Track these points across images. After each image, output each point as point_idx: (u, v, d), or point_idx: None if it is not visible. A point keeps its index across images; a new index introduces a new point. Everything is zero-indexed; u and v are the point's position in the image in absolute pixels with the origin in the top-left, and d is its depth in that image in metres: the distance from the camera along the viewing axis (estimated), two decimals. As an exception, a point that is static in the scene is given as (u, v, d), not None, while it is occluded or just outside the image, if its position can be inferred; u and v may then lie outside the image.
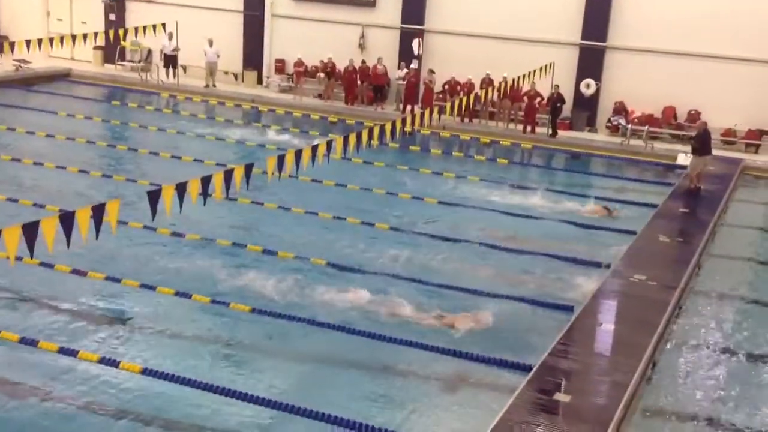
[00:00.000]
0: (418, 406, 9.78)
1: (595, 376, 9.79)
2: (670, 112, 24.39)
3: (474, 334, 11.57)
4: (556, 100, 23.96)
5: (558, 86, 23.86)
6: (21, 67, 27.64)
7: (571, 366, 9.91)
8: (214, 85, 27.61)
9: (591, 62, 24.88)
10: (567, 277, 13.83)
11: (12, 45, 22.14)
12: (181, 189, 10.45)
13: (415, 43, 26.33)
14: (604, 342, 10.96)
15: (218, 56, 27.49)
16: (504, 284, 13.35)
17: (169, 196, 10.26)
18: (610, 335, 11.09)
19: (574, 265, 14.31)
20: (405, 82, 25.72)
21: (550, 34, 25.03)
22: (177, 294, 11.94)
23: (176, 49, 27.46)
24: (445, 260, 14.32)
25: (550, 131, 24.18)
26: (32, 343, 10.22)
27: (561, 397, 9.11)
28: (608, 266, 13.85)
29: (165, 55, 27.90)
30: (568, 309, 12.15)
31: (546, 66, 23.21)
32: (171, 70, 27.89)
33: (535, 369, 9.76)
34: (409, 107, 25.34)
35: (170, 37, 26.92)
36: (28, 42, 21.82)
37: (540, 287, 13.41)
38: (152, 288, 12.07)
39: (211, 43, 27.24)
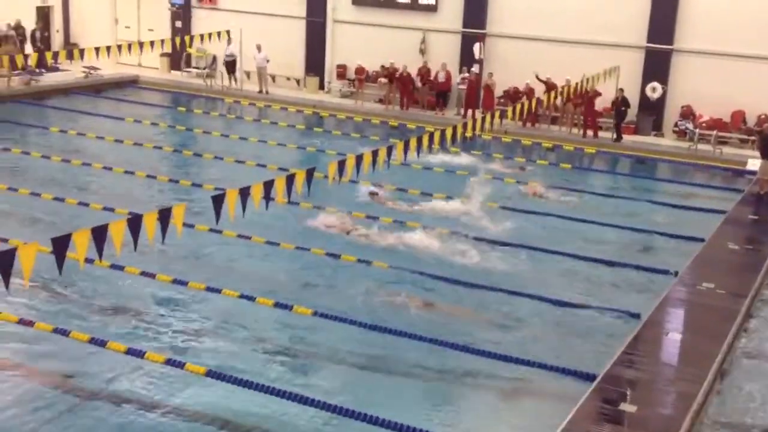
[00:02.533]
0: (476, 413, 9.70)
1: (662, 386, 9.59)
2: (739, 117, 23.77)
3: (536, 341, 11.44)
4: (621, 103, 23.58)
5: (622, 90, 23.47)
6: (90, 73, 28.36)
7: (636, 375, 9.72)
8: (267, 91, 27.90)
9: (657, 65, 24.42)
10: (634, 285, 13.61)
11: (82, 52, 22.76)
12: (244, 193, 10.58)
13: (476, 47, 26.22)
14: (670, 351, 10.72)
15: (267, 61, 27.75)
16: (569, 291, 13.18)
17: (232, 200, 10.40)
18: (677, 344, 10.85)
19: (641, 272, 14.06)
20: (465, 87, 25.63)
21: (615, 37, 24.65)
22: (241, 296, 12.09)
23: (231, 55, 27.88)
24: (508, 265, 14.20)
25: (615, 135, 23.81)
26: (101, 343, 10.46)
27: (626, 407, 8.93)
28: (676, 274, 13.56)
29: (225, 60, 28.38)
30: (635, 317, 11.93)
31: (610, 69, 22.85)
32: (230, 75, 28.31)
33: (599, 378, 9.60)
34: (470, 112, 25.23)
35: (228, 42, 27.31)
36: (97, 49, 22.39)
37: (606, 294, 13.21)
38: (218, 291, 12.25)
39: (259, 49, 27.51)
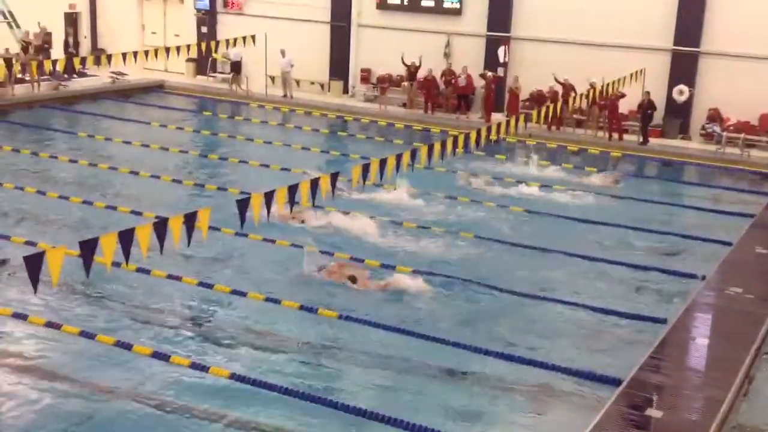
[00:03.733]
0: (500, 418, 9.66)
1: (689, 392, 9.49)
2: (766, 120, 23.50)
3: (561, 345, 11.39)
4: (647, 106, 23.42)
5: (649, 93, 23.31)
6: (117, 79, 28.65)
7: (663, 381, 9.63)
8: (291, 96, 28.02)
9: (684, 68, 24.22)
10: (659, 289, 13.51)
11: (109, 58, 23.00)
12: (268, 197, 10.64)
13: (501, 50, 26.17)
14: (697, 356, 10.62)
15: (292, 66, 27.88)
16: (595, 294, 13.11)
17: (257, 204, 10.46)
18: (704, 349, 10.75)
19: (668, 276, 13.94)
20: (484, 90, 25.61)
21: (641, 40, 24.48)
22: (267, 300, 12.15)
23: (237, 55, 28.27)
24: (532, 268, 14.16)
25: (641, 138, 23.65)
26: (127, 346, 10.55)
27: (653, 412, 8.85)
28: (703, 278, 13.43)
29: (231, 62, 28.63)
30: (661, 321, 11.83)
31: (636, 72, 22.70)
32: (235, 75, 28.82)
33: (625, 383, 9.52)
34: (493, 114, 25.20)
35: (234, 44, 27.46)
36: (124, 55, 22.61)
37: (632, 298, 13.12)
38: (243, 294, 12.31)
39: (283, 53, 27.64)
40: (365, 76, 28.71)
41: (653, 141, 23.82)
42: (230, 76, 29.33)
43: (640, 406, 9.00)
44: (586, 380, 10.30)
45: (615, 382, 9.88)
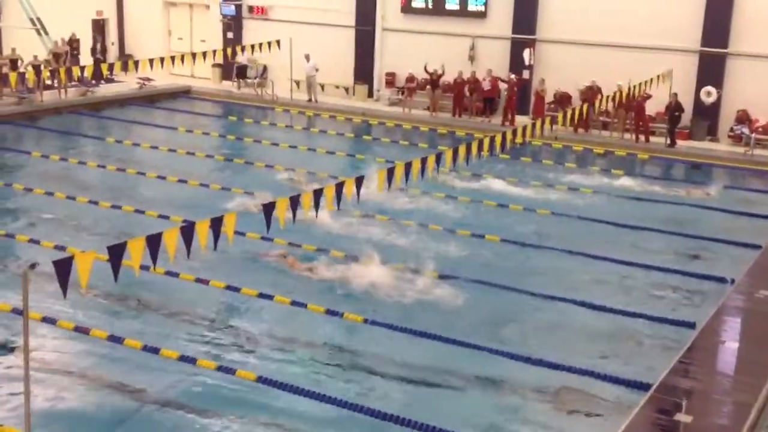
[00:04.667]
0: (526, 423, 9.61)
1: (718, 396, 9.40)
2: (797, 121, 23.25)
3: (589, 349, 11.32)
4: (674, 108, 23.22)
5: (676, 94, 23.11)
6: (144, 84, 28.89)
7: (692, 385, 9.54)
8: (316, 100, 28.11)
9: (711, 69, 23.97)
10: (688, 292, 13.38)
11: (136, 63, 23.20)
12: (294, 202, 10.67)
13: (526, 53, 26.07)
14: (726, 360, 10.51)
15: (316, 70, 27.98)
16: (623, 298, 13.01)
17: (283, 208, 10.49)
18: (733, 353, 10.63)
19: (696, 280, 13.81)
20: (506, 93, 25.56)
21: (668, 41, 24.27)
22: (293, 303, 12.19)
23: (251, 60, 28.40)
24: (560, 272, 14.09)
25: (669, 141, 23.45)
26: (154, 350, 10.63)
27: (682, 417, 8.77)
28: (732, 281, 13.29)
29: (237, 65, 29.02)
30: (690, 326, 11.71)
31: (664, 74, 22.50)
32: (239, 80, 29.31)
33: (654, 388, 9.44)
34: (515, 117, 25.13)
35: (242, 52, 27.64)
36: (151, 60, 22.80)
37: (660, 302, 13.02)
38: (270, 297, 12.36)
39: (308, 58, 27.73)
40: (390, 79, 28.72)
41: (681, 143, 23.60)
42: (256, 81, 29.52)
43: (669, 410, 8.92)
44: (613, 385, 10.23)
45: (644, 386, 9.80)
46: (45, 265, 7.80)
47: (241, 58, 28.86)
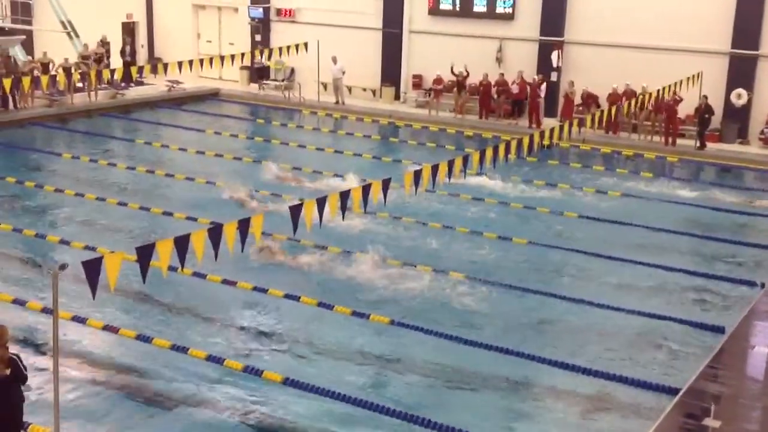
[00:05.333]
0: (554, 426, 9.56)
1: (747, 401, 9.31)
2: (830, 123, 22.92)
3: (616, 353, 11.24)
4: (704, 111, 22.98)
5: (706, 97, 22.87)
6: (173, 87, 29.13)
7: (721, 390, 9.45)
8: (343, 102, 28.19)
9: (742, 71, 23.71)
10: (718, 296, 13.25)
11: (165, 66, 23.41)
12: (320, 203, 10.71)
13: (554, 55, 25.95)
14: (756, 365, 10.41)
15: (343, 72, 28.05)
16: (651, 301, 12.91)
17: (309, 210, 10.53)
18: (763, 358, 10.52)
19: (726, 284, 13.67)
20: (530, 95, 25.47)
21: (697, 43, 24.03)
22: (319, 305, 12.23)
23: (278, 63, 28.83)
24: (587, 276, 14.01)
25: (698, 143, 23.22)
26: (183, 350, 10.72)
27: (710, 422, 8.69)
28: (762, 285, 13.14)
29: (256, 67, 29.34)
30: (719, 330, 11.59)
31: (693, 76, 22.30)
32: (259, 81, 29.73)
33: (682, 392, 9.36)
34: (540, 118, 25.06)
35: (260, 52, 27.74)
36: (179, 63, 22.99)
37: (689, 306, 12.92)
38: (296, 298, 12.42)
39: (335, 60, 27.81)
40: (417, 82, 28.72)
41: (711, 146, 23.36)
42: (283, 84, 29.69)
43: (697, 415, 8.84)
44: (641, 389, 10.15)
45: (672, 391, 9.72)
46: (75, 266, 7.88)
47: (261, 61, 29.07)
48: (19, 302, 11.98)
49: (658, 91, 20.98)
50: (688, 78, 21.98)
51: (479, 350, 11.04)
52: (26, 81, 22.34)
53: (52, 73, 24.75)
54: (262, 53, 27.38)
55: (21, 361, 7.97)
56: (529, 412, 9.87)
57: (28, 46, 27.55)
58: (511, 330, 11.83)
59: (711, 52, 23.93)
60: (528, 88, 25.70)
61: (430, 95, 27.64)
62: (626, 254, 14.77)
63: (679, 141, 23.70)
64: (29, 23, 27.44)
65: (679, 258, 14.97)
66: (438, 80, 27.07)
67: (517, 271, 13.97)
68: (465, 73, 26.31)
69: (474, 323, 11.97)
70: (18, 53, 26.36)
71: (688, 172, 22.02)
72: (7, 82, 20.83)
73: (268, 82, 30.41)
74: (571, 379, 10.45)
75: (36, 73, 24.42)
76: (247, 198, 17.38)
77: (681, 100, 22.97)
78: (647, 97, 20.99)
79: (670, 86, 21.33)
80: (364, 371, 10.70)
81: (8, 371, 7.82)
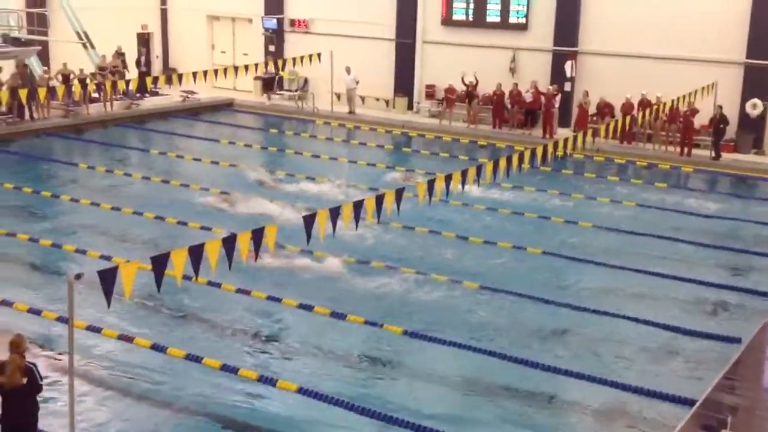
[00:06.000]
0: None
1: (764, 413, 9.23)
2: None
3: (631, 363, 11.18)
4: (719, 121, 22.89)
5: (721, 107, 22.78)
6: (188, 97, 29.27)
7: (737, 401, 9.36)
8: (354, 112, 28.25)
9: (757, 81, 23.58)
10: (734, 307, 13.18)
11: (180, 77, 23.52)
12: (334, 213, 10.71)
13: (567, 65, 25.92)
14: (774, 377, 10.30)
15: (357, 83, 28.13)
16: (667, 313, 12.84)
17: (323, 220, 10.54)
18: (781, 370, 10.42)
19: (742, 295, 13.60)
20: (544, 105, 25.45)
21: (712, 53, 23.94)
22: (332, 315, 12.24)
23: (276, 73, 28.82)
24: (602, 286, 13.95)
25: (713, 153, 23.12)
26: (197, 359, 10.74)
27: (727, 434, 8.61)
28: (779, 296, 13.05)
29: (264, 77, 29.39)
30: (736, 341, 11.50)
31: (708, 86, 22.22)
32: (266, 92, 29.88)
33: (698, 404, 9.27)
34: (554, 129, 25.01)
35: (265, 64, 27.83)
36: (194, 74, 23.09)
37: (705, 317, 12.85)
38: (310, 308, 12.43)
39: (348, 71, 27.90)
40: (430, 92, 28.74)
41: (726, 156, 23.25)
42: (297, 94, 29.80)
43: (713, 427, 8.75)
44: (657, 400, 10.09)
45: (688, 402, 9.65)
46: (90, 275, 7.91)
47: (269, 71, 29.21)
48: (35, 311, 12.05)
49: (673, 101, 20.92)
50: (703, 88, 21.90)
51: (493, 360, 11.01)
52: (42, 91, 22.54)
53: (72, 84, 24.91)
54: (266, 64, 27.51)
55: (38, 371, 8.02)
56: (544, 423, 9.82)
57: (44, 57, 27.76)
58: (525, 340, 11.79)
59: (726, 62, 23.84)
60: (542, 98, 25.70)
61: (442, 105, 27.65)
62: (641, 265, 14.70)
63: (694, 151, 23.60)
64: (45, 34, 27.64)
65: (695, 268, 14.89)
66: (450, 90, 27.07)
67: (532, 281, 13.92)
68: (474, 82, 26.33)
69: (488, 333, 11.94)
70: (34, 64, 26.58)
71: (703, 183, 21.92)
72: (23, 93, 20.99)
73: (281, 92, 30.52)
74: (586, 389, 10.40)
75: (53, 83, 24.61)
76: (259, 206, 17.44)
77: (697, 111, 22.90)
78: (661, 107, 20.92)
79: (684, 96, 21.26)
80: (377, 381, 10.68)
81: (24, 380, 7.86)
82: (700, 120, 23.68)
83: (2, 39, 25.50)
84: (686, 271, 14.66)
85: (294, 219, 14.98)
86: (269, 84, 30.39)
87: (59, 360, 10.60)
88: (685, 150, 23.59)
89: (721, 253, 15.79)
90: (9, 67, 25.53)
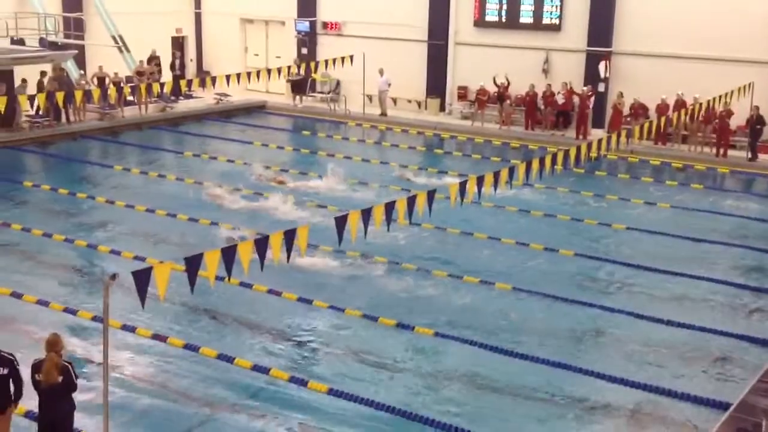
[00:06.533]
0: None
1: (802, 418, 9.05)
2: None
3: (665, 366, 11.06)
4: (756, 121, 22.57)
5: (758, 107, 22.46)
6: (221, 100, 29.51)
7: (774, 406, 9.22)
8: (385, 114, 28.27)
9: (795, 81, 23.24)
10: (769, 310, 12.98)
11: (214, 80, 23.72)
12: (366, 215, 10.72)
13: (601, 65, 25.72)
14: (812, 381, 10.11)
15: (389, 85, 28.16)
16: (702, 315, 12.69)
17: (354, 221, 10.55)
18: (819, 374, 10.22)
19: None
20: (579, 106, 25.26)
21: (748, 53, 23.60)
22: (364, 316, 12.26)
23: (299, 75, 28.97)
24: (635, 288, 13.82)
25: (750, 155, 22.79)
26: (229, 359, 10.83)
27: (763, 438, 8.49)
28: (817, 299, 12.82)
29: (292, 80, 29.48)
30: (771, 345, 11.35)
31: (744, 86, 21.91)
32: (295, 94, 29.92)
33: (733, 407, 9.16)
34: (588, 130, 24.81)
35: (297, 66, 27.89)
36: (227, 77, 23.28)
37: (740, 319, 12.67)
38: (341, 309, 12.46)
39: (381, 73, 27.93)
40: (462, 93, 28.68)
41: (762, 157, 22.91)
42: (329, 96, 29.90)
43: (748, 430, 8.64)
44: (691, 403, 9.98)
45: (723, 405, 9.53)
46: (125, 276, 8.01)
47: (299, 73, 29.31)
48: (71, 311, 12.23)
49: (708, 101, 20.67)
50: (739, 88, 21.60)
51: (525, 362, 10.97)
52: (79, 95, 22.84)
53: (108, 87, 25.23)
54: (299, 66, 27.61)
55: (73, 369, 8.14)
56: (575, 426, 9.74)
57: (80, 61, 28.17)
58: (557, 342, 11.72)
59: (762, 62, 23.49)
60: (575, 98, 25.52)
61: (474, 106, 27.57)
62: (676, 267, 14.55)
63: (729, 152, 23.31)
64: (81, 38, 28.03)
65: (731, 271, 14.71)
66: (482, 91, 26.99)
67: (564, 283, 13.84)
68: (506, 83, 26.22)
69: (520, 335, 11.88)
70: (71, 68, 26.97)
71: (740, 184, 21.61)
72: (60, 96, 21.32)
73: (314, 94, 30.64)
74: (619, 392, 10.31)
75: (90, 86, 24.95)
76: (291, 209, 17.54)
77: (732, 113, 22.60)
78: (698, 107, 20.67)
79: (720, 97, 20.99)
80: (408, 382, 10.67)
81: (60, 378, 7.99)
82: (737, 120, 23.37)
83: (40, 43, 25.90)
84: (721, 273, 14.48)
85: (325, 220, 15.13)
86: (300, 86, 30.51)
87: (93, 359, 10.72)
88: (721, 151, 23.30)
89: (757, 256, 15.56)
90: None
